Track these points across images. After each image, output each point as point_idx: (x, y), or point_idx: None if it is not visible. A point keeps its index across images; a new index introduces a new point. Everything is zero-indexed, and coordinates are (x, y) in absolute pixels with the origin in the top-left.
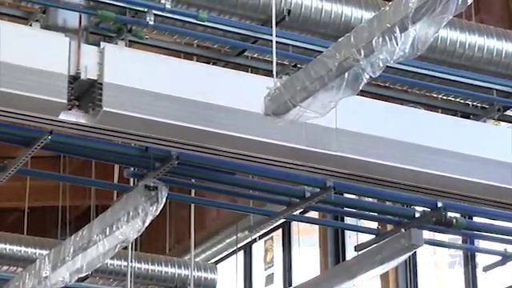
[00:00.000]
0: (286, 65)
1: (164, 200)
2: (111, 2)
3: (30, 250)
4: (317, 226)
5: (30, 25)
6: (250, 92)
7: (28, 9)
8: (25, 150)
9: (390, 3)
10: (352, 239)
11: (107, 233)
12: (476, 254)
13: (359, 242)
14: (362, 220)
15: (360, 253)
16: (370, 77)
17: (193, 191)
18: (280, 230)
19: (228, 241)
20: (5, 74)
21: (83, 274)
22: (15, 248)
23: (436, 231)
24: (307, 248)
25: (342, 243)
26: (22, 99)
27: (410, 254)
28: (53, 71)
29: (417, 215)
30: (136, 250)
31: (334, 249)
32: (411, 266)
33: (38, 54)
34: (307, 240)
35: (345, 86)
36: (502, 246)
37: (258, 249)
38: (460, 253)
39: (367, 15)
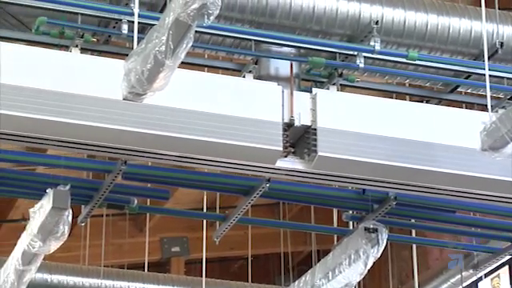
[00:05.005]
0: (500, 98)
1: (385, 242)
2: (321, 48)
3: None
4: None
5: (244, 76)
6: (466, 128)
7: (241, 61)
8: (244, 199)
9: None
10: None
11: (330, 277)
12: None
13: None
14: None
15: None
16: None
17: (413, 231)
18: (506, 267)
19: (453, 280)
20: (221, 126)
21: None
22: None
23: None
24: None
25: None
26: (239, 149)
27: None
28: (267, 120)
29: None
30: None
31: None
32: None
33: (253, 103)
34: None
35: None
36: None
37: (484, 287)
38: None
39: None
